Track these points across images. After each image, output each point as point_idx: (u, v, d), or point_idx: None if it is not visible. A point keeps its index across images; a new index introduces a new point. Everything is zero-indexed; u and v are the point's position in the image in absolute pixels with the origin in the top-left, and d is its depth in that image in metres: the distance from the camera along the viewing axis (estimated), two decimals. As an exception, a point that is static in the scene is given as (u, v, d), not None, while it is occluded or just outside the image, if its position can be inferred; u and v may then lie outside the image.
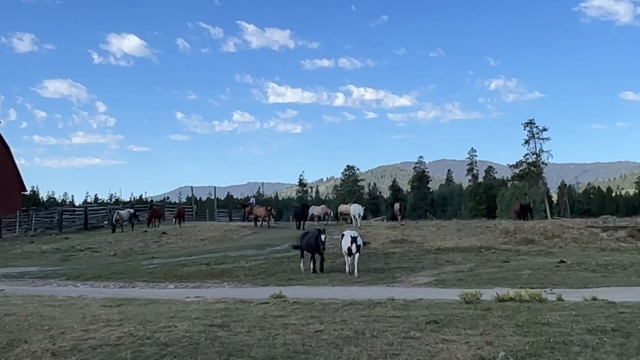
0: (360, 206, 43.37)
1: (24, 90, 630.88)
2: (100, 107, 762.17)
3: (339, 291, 17.79)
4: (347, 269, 22.97)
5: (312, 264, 23.80)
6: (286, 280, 21.73)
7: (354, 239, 22.36)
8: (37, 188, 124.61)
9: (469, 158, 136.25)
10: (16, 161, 63.16)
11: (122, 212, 49.69)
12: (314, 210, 45.98)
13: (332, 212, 46.66)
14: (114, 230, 46.36)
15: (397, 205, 54.97)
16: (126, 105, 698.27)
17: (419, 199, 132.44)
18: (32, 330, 11.38)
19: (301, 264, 24.27)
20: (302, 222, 42.11)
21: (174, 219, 49.87)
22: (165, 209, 60.39)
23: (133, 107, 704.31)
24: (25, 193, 69.46)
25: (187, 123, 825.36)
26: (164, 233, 42.06)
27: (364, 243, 24.11)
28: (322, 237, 23.08)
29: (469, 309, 12.63)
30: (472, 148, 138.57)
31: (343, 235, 23.53)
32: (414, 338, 9.68)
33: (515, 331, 10.04)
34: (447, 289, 18.02)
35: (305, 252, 24.40)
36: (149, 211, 53.89)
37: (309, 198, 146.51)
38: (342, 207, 46.66)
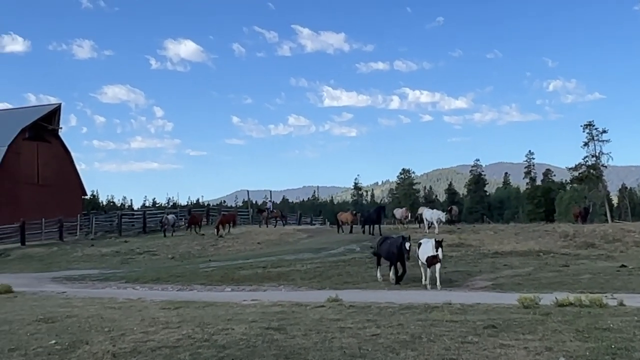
0: (435, 211, 40.65)
1: (84, 96, 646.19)
2: (158, 112, 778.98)
3: (395, 295, 17.73)
4: (424, 282, 20.74)
5: (393, 274, 21.69)
6: (342, 284, 21.73)
7: (438, 244, 19.91)
8: (97, 192, 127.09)
9: (526, 161, 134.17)
10: (77, 166, 64.66)
11: (169, 216, 50.19)
12: (397, 212, 44.96)
13: (410, 215, 45.30)
14: (164, 234, 46.61)
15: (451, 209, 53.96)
16: (183, 109, 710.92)
17: (476, 202, 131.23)
18: (93, 332, 11.60)
19: (377, 273, 22.47)
20: (376, 227, 38.94)
21: (215, 229, 44.89)
22: (222, 212, 60.62)
23: (190, 112, 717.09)
24: (86, 197, 70.96)
25: (243, 127, 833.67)
26: (220, 236, 42.47)
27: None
28: (407, 245, 20.69)
29: (527, 313, 12.45)
30: (529, 150, 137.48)
31: (420, 243, 21.19)
32: (472, 343, 9.59)
33: (575, 337, 9.87)
34: (505, 293, 17.83)
35: (382, 260, 22.43)
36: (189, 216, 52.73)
37: (364, 202, 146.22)
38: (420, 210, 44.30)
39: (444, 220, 39.52)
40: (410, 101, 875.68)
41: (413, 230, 37.03)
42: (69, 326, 12.42)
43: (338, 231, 42.10)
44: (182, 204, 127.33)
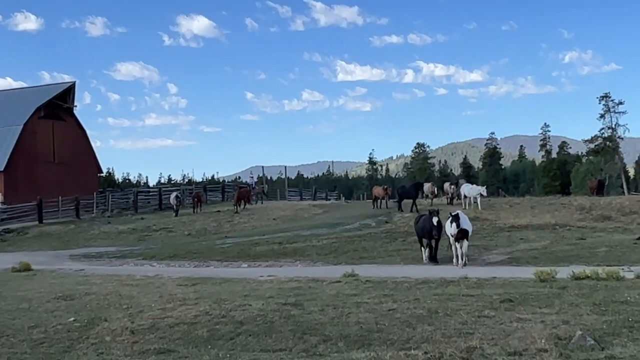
0: (474, 186, 38.83)
1: (98, 73, 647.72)
2: (172, 89, 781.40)
3: (411, 269, 17.74)
4: (454, 261, 19.46)
5: (427, 251, 20.57)
6: (358, 259, 21.75)
7: (454, 218, 18.72)
8: (112, 169, 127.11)
9: (542, 133, 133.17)
10: (92, 144, 64.73)
11: (177, 194, 49.84)
12: (425, 187, 42.12)
13: (436, 190, 44.03)
14: (176, 214, 46.25)
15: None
16: (197, 86, 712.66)
17: (491, 175, 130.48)
18: (112, 309, 11.72)
19: (423, 254, 20.86)
20: (413, 204, 36.76)
21: (234, 205, 45.01)
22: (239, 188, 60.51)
23: (204, 88, 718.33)
24: (102, 175, 71.16)
25: (257, 103, 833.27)
26: (236, 212, 42.60)
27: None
28: (434, 219, 19.40)
29: (544, 287, 12.47)
30: (545, 123, 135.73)
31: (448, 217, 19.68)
32: (488, 317, 9.62)
33: (592, 310, 9.87)
34: (521, 267, 17.81)
35: (423, 240, 20.84)
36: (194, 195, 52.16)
37: (378, 176, 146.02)
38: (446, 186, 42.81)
39: (485, 194, 37.37)
40: (424, 75, 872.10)
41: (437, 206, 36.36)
42: (87, 303, 12.55)
43: (374, 206, 40.69)
44: (198, 180, 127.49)
